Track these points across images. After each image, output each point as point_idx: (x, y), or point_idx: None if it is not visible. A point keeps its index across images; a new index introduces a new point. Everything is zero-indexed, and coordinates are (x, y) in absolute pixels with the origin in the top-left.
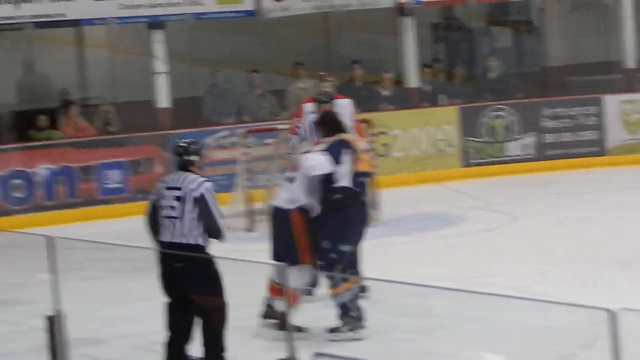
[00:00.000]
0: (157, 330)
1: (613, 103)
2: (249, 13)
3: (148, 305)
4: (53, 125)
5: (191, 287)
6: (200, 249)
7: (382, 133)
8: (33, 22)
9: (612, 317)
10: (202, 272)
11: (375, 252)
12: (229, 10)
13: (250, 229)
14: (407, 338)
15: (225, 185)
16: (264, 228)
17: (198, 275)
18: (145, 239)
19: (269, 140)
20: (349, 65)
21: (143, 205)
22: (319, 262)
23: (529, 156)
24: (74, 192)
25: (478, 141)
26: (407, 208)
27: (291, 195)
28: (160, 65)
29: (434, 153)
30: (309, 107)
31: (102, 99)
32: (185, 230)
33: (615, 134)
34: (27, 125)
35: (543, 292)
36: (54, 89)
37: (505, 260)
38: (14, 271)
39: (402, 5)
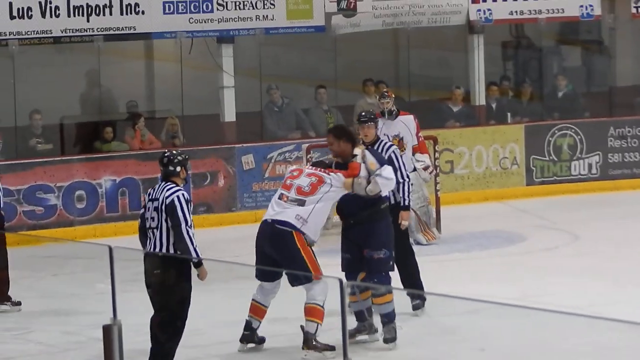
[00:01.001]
0: (213, 343)
1: None
2: (319, 29)
3: (206, 318)
4: (119, 137)
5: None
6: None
7: (447, 150)
8: (103, 35)
9: None
10: (172, 283)
11: (436, 269)
12: (299, 25)
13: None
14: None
15: None
16: (324, 242)
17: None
18: (207, 252)
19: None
20: (416, 82)
21: (205, 218)
22: (375, 272)
23: (593, 175)
24: (137, 204)
25: (543, 159)
26: (469, 225)
27: (300, 214)
28: (228, 79)
29: (498, 171)
30: None
31: (169, 112)
32: (163, 240)
33: None
34: (93, 136)
35: (603, 312)
36: (120, 102)
37: (566, 280)
38: (74, 281)
39: (472, 23)
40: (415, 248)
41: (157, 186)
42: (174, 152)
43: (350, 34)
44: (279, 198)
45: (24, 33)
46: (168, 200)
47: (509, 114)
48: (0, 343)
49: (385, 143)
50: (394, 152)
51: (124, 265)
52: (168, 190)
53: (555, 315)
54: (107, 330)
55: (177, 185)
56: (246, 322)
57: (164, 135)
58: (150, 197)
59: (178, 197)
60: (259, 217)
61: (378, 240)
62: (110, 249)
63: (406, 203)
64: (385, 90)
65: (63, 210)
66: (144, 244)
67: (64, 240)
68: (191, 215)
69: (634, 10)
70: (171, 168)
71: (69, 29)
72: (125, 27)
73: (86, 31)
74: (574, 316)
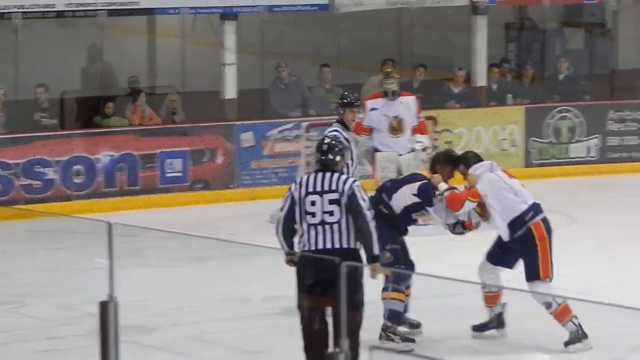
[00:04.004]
0: (207, 320)
1: None
2: (323, 7)
3: (202, 295)
4: (120, 112)
5: None
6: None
7: (447, 131)
8: (106, 10)
9: None
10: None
11: (431, 249)
12: (303, 3)
13: None
14: (455, 335)
15: (286, 177)
16: None
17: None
18: (202, 229)
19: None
20: (416, 65)
21: (202, 195)
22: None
23: (592, 158)
24: (134, 180)
25: (542, 142)
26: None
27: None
28: (230, 56)
29: (496, 152)
30: (371, 103)
31: (169, 88)
32: (344, 234)
33: None
34: (93, 111)
35: (599, 295)
36: (121, 77)
37: (563, 262)
38: (71, 256)
39: (476, 4)
40: (411, 228)
41: (314, 177)
42: (332, 139)
43: (354, 13)
44: None
45: (27, 7)
46: (349, 191)
47: (509, 96)
48: None
49: None
50: None
51: (122, 241)
52: (345, 181)
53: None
54: (103, 306)
55: (344, 174)
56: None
57: (164, 111)
58: (313, 189)
59: (358, 187)
60: (255, 194)
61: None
62: (110, 225)
63: None
64: (389, 70)
65: (60, 185)
66: (290, 243)
67: (60, 215)
68: None
69: None
70: (331, 157)
71: (73, 3)
72: (129, 2)
73: (89, 6)
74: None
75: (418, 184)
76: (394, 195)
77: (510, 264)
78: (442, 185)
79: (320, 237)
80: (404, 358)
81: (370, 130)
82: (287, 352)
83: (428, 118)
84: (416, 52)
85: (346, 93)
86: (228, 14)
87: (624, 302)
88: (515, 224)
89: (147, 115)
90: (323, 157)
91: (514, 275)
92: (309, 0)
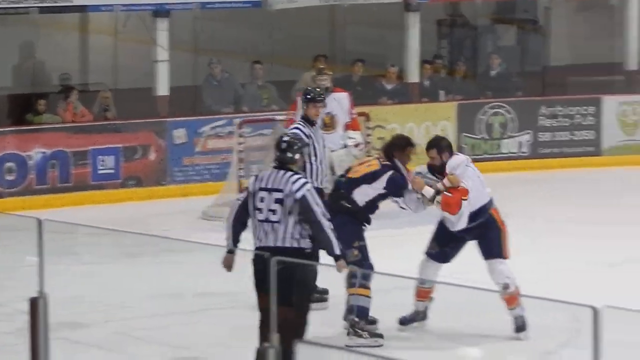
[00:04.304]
0: (139, 316)
1: (612, 104)
2: (256, 4)
3: (134, 292)
4: (52, 109)
5: None
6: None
7: (379, 127)
8: (38, 7)
9: (596, 314)
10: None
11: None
12: (236, 0)
13: None
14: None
15: (218, 174)
16: None
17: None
18: (134, 226)
19: (265, 131)
20: (353, 60)
21: (135, 191)
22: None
23: (523, 154)
24: (66, 177)
25: (474, 137)
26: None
27: None
28: (162, 53)
29: None
30: None
31: (102, 85)
32: (288, 234)
33: (612, 135)
34: (25, 108)
35: (528, 290)
36: (53, 74)
37: None
38: (4, 254)
39: (408, 1)
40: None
41: (270, 173)
42: (291, 137)
43: (287, 10)
44: None
45: None
46: (299, 195)
47: (441, 92)
48: None
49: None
50: None
51: (53, 237)
52: (295, 182)
53: (483, 293)
54: (33, 303)
55: (298, 174)
56: None
57: (96, 108)
58: (265, 185)
59: (310, 191)
60: (188, 191)
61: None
62: (40, 222)
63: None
64: (322, 66)
65: None
66: (238, 234)
67: None
68: None
69: None
70: (289, 155)
71: (5, 0)
72: (62, 0)
73: (22, 2)
74: (493, 293)
75: (385, 178)
76: (355, 191)
77: (450, 259)
78: (428, 190)
79: (263, 235)
80: (340, 354)
81: None
82: (217, 348)
83: (361, 114)
84: (349, 48)
85: (309, 88)
86: (160, 11)
87: (551, 295)
88: (480, 213)
89: (80, 112)
90: (280, 155)
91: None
92: None
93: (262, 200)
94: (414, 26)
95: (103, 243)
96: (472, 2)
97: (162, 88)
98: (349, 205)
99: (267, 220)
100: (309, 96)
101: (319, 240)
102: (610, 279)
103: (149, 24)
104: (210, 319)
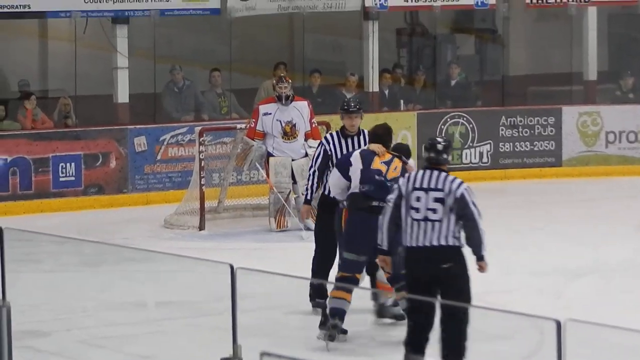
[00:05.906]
0: (101, 325)
1: (571, 114)
2: (215, 11)
3: (96, 300)
4: (11, 116)
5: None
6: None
7: None
8: None
9: (559, 327)
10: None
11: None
12: (195, 7)
13: (201, 227)
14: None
15: (180, 182)
16: (215, 226)
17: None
18: (96, 234)
19: (225, 139)
20: (310, 71)
21: (96, 199)
22: None
23: (484, 164)
24: (28, 184)
25: None
26: None
27: None
28: (122, 59)
29: None
30: (264, 108)
31: (62, 92)
32: (449, 232)
33: (572, 146)
34: None
35: (490, 301)
36: (12, 80)
37: None
38: None
39: (367, 10)
40: (305, 234)
41: (423, 174)
42: (446, 139)
43: (246, 17)
44: None
45: None
46: (459, 193)
47: (401, 101)
48: None
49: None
50: None
51: (15, 245)
52: (453, 181)
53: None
54: None
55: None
56: None
57: (56, 115)
58: (420, 185)
59: (467, 190)
60: (149, 199)
61: None
62: (0, 230)
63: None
64: (282, 75)
65: None
66: (392, 236)
67: None
68: None
69: (528, 0)
70: (445, 156)
71: None
72: (20, 5)
73: None
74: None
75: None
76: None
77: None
78: None
79: (421, 234)
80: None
81: (263, 135)
82: (179, 358)
83: (321, 123)
84: (309, 56)
85: (345, 100)
86: (120, 18)
87: (513, 307)
88: None
89: (40, 119)
90: (435, 156)
91: None
92: (201, 4)
93: (418, 199)
94: (372, 35)
95: (64, 251)
96: (431, 12)
97: (122, 95)
98: None
99: (426, 219)
100: (343, 108)
101: (471, 238)
102: (573, 290)
103: (108, 31)
104: (172, 328)
